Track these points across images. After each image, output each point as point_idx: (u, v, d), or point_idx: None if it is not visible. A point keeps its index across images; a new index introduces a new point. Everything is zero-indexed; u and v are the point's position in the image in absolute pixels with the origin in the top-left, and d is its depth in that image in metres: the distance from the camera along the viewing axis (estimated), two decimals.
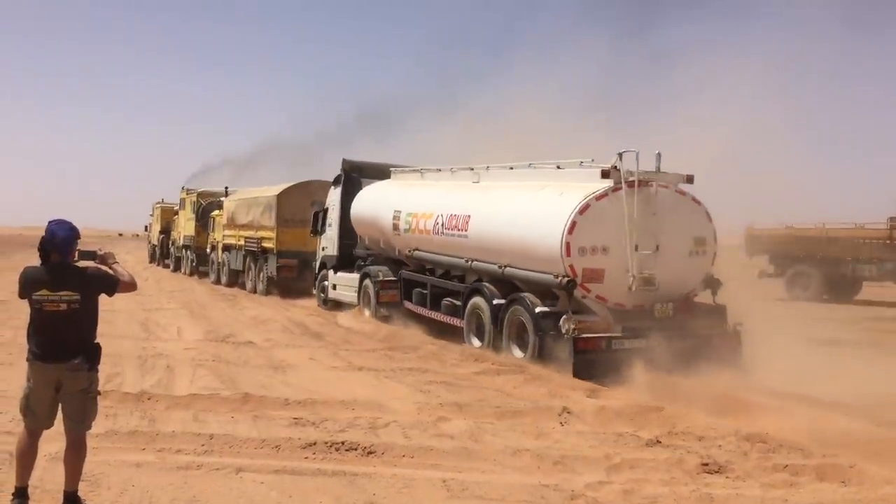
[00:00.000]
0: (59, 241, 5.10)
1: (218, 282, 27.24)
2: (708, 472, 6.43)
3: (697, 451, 7.00)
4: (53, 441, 5.73)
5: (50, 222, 5.18)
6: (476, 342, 12.72)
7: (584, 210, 10.64)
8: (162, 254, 37.70)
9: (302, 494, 5.73)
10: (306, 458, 6.63)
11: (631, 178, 10.64)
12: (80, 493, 5.17)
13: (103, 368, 5.49)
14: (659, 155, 11.00)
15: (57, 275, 5.08)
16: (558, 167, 12.03)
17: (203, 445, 6.85)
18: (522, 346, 11.53)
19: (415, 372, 10.78)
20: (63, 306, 5.04)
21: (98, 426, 6.04)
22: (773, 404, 9.02)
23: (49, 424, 5.19)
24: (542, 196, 11.66)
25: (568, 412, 8.32)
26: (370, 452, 6.76)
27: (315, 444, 6.91)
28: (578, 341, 10.35)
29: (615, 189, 10.71)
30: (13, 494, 5.10)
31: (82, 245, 5.33)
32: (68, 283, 5.07)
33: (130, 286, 5.38)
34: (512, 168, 13.27)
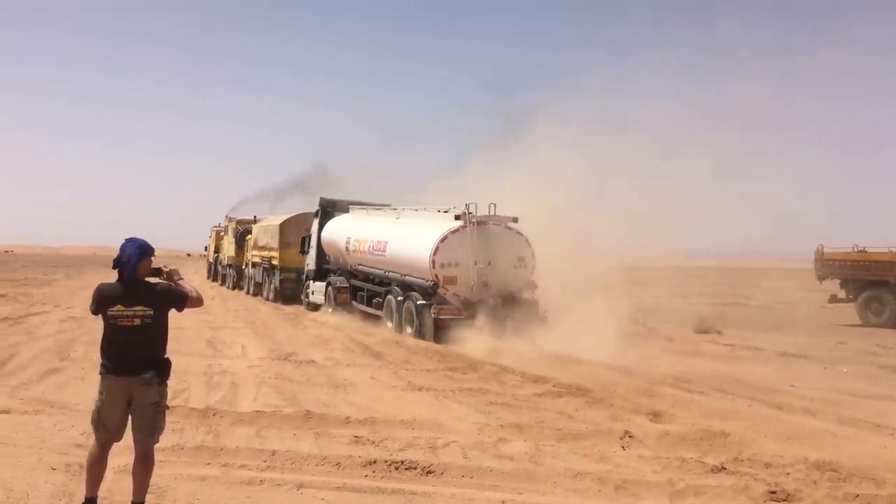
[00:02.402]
0: (125, 258, 5.25)
1: (248, 293, 32.84)
2: (775, 501, 6.24)
3: (764, 478, 6.82)
4: (122, 454, 5.90)
5: (128, 240, 5.34)
6: (389, 324, 18.51)
7: (443, 239, 16.59)
8: (215, 271, 43.78)
9: None
10: (366, 476, 6.66)
11: (473, 220, 16.56)
12: None
13: (170, 384, 5.62)
14: (493, 205, 16.81)
15: (131, 291, 5.23)
16: (438, 210, 17.90)
17: (266, 461, 6.96)
18: (411, 325, 17.23)
19: (475, 392, 10.76)
20: (137, 321, 5.19)
21: (165, 440, 6.20)
22: (844, 432, 8.75)
23: (119, 437, 5.33)
24: (424, 230, 17.65)
25: (630, 436, 8.20)
26: (430, 472, 6.76)
27: (375, 462, 6.95)
28: (437, 320, 16.22)
29: (463, 227, 16.59)
30: None
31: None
32: (142, 299, 5.22)
33: (198, 301, 5.51)
34: (416, 210, 19.43)
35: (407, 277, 17.69)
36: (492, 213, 16.81)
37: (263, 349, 14.83)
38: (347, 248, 21.19)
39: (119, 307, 5.18)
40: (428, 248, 16.56)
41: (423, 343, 15.98)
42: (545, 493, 6.37)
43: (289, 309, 25.51)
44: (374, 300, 19.93)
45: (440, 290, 16.43)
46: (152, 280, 5.39)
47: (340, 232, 22.13)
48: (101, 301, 5.25)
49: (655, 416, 9.38)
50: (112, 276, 5.34)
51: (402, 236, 18.57)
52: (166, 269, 5.54)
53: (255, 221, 33.95)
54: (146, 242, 5.37)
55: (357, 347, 15.58)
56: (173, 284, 5.47)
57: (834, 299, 26.28)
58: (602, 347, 14.08)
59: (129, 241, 5.33)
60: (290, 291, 27.76)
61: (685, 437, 8.22)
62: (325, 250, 23.48)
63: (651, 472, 7.03)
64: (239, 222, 36.48)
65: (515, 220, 16.94)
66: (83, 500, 5.27)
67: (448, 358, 14.05)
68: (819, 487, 6.57)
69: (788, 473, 6.96)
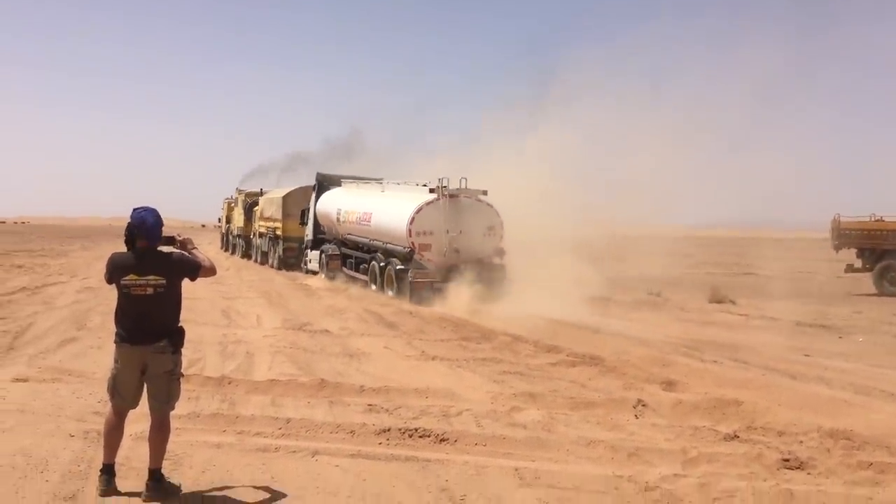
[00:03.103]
0: (149, 226, 5.26)
1: (255, 261, 34.85)
2: (788, 468, 6.25)
3: (777, 446, 6.82)
4: (138, 421, 5.97)
5: (136, 209, 5.34)
6: (373, 287, 20.47)
7: (419, 210, 18.43)
8: (228, 241, 45.82)
9: (376, 478, 5.82)
10: (380, 443, 6.71)
11: (446, 193, 18.36)
12: (163, 471, 5.35)
13: (186, 353, 5.67)
14: (464, 179, 18.59)
15: (144, 260, 5.25)
16: (417, 184, 19.57)
17: (280, 429, 7.02)
18: (392, 288, 19.23)
19: (488, 362, 10.80)
20: (150, 290, 5.22)
21: (181, 408, 6.26)
22: (858, 400, 8.74)
23: (134, 405, 5.39)
24: (402, 202, 19.39)
25: (643, 405, 8.21)
26: (443, 440, 6.80)
27: (389, 430, 6.99)
28: (413, 283, 18.08)
29: (437, 199, 18.44)
30: (101, 471, 5.32)
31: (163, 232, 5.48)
32: (155, 268, 5.25)
33: (210, 271, 5.52)
34: (398, 183, 21.26)
35: (388, 245, 19.71)
36: (463, 186, 18.61)
37: (278, 319, 14.91)
38: (338, 219, 23.28)
39: (132, 276, 5.21)
40: (405, 218, 18.53)
41: (437, 313, 16.05)
42: (558, 460, 6.40)
43: (302, 278, 25.65)
44: (361, 266, 22.01)
45: (416, 256, 18.43)
46: (165, 249, 5.41)
47: (333, 204, 24.11)
48: (115, 270, 5.28)
49: (668, 384, 9.39)
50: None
51: (384, 208, 20.48)
52: (180, 238, 5.55)
53: (261, 194, 35.80)
54: (157, 211, 5.39)
55: (371, 317, 15.63)
56: (186, 253, 5.49)
57: (850, 269, 26.09)
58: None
59: (145, 210, 5.32)
60: (292, 260, 29.72)
61: (698, 406, 8.23)
62: (320, 221, 25.45)
63: (664, 440, 7.05)
64: (247, 195, 38.22)
65: (485, 192, 18.73)
66: (101, 466, 5.35)
67: (462, 328, 14.09)
68: (832, 455, 6.57)
69: (802, 441, 6.96)
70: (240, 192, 40.37)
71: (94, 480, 5.38)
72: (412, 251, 18.38)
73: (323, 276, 24.07)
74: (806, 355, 12.16)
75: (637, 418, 7.83)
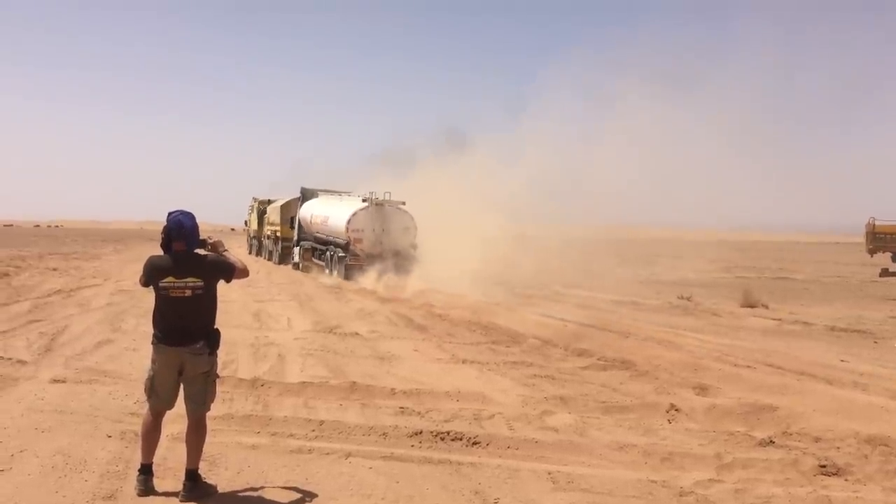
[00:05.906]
0: (188, 230, 5.35)
1: (265, 258, 40.39)
2: (825, 475, 6.19)
3: (814, 452, 6.75)
4: (176, 422, 6.05)
5: (172, 212, 5.41)
6: (327, 272, 27.32)
7: (354, 214, 25.63)
8: (251, 244, 50.60)
9: (409, 480, 5.84)
10: (413, 446, 6.73)
11: (375, 202, 25.57)
12: (200, 472, 5.42)
13: (219, 355, 5.72)
14: (389, 193, 25.68)
15: (181, 262, 5.33)
16: (359, 196, 26.56)
17: (313, 431, 7.07)
18: (337, 270, 26.09)
19: (519, 366, 10.78)
20: (188, 292, 5.29)
21: (215, 410, 6.33)
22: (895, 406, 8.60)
23: (171, 405, 5.46)
24: (345, 208, 26.63)
25: (676, 409, 8.16)
26: (475, 443, 6.81)
27: (421, 433, 7.01)
28: (347, 265, 25.39)
29: (368, 207, 25.60)
30: (139, 471, 5.41)
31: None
32: (192, 270, 5.32)
33: (243, 272, 5.59)
34: (349, 194, 28.91)
35: (336, 239, 26.94)
36: (387, 197, 25.83)
37: (308, 322, 14.98)
38: (311, 222, 30.48)
39: (170, 279, 5.28)
40: (344, 220, 25.84)
41: (466, 316, 16.06)
42: (590, 464, 6.38)
43: (329, 281, 25.85)
44: (321, 256, 28.87)
45: (351, 247, 25.52)
46: (200, 252, 5.48)
47: (309, 211, 31.32)
48: (153, 273, 5.35)
49: (701, 389, 9.31)
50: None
51: (335, 213, 27.56)
52: (211, 241, 5.62)
53: (269, 202, 41.61)
54: (193, 214, 5.46)
55: (400, 320, 15.67)
56: (220, 256, 5.56)
57: (885, 273, 25.76)
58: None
59: (181, 213, 5.40)
60: (288, 257, 35.20)
61: (732, 411, 8.16)
62: (303, 225, 32.25)
63: (698, 445, 7.00)
64: (261, 202, 43.72)
65: (403, 203, 25.92)
66: (139, 467, 5.42)
67: (491, 331, 14.08)
68: (870, 462, 6.49)
69: (839, 448, 6.88)
70: (255, 199, 45.75)
71: (132, 480, 5.45)
72: (349, 243, 25.52)
73: (301, 265, 31.41)
74: (842, 360, 11.99)
75: (670, 423, 7.78)
